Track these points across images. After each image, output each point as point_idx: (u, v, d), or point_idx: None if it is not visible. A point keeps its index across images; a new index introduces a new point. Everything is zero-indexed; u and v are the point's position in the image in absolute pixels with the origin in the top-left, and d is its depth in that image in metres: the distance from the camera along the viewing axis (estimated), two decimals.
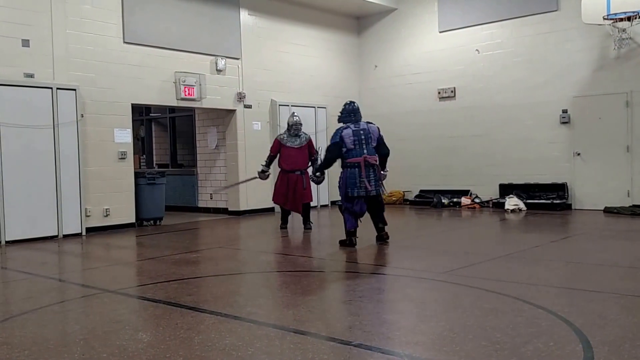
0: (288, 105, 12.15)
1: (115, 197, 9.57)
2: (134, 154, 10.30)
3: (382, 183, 7.24)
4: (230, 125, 11.66)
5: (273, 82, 12.08)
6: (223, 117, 11.79)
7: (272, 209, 11.95)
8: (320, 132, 12.75)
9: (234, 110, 11.52)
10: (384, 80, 13.65)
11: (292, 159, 8.90)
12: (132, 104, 9.99)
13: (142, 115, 14.27)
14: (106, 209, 9.46)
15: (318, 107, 12.82)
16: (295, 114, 9.25)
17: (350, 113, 7.35)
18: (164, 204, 10.61)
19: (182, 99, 10.57)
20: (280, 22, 12.26)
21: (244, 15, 11.57)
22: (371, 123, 7.38)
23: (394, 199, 13.12)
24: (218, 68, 11.05)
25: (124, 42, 9.73)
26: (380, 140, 7.27)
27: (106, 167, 9.49)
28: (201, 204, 12.49)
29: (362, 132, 7.11)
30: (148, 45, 10.06)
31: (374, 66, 13.79)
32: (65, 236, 8.79)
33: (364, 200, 7.08)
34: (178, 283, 5.44)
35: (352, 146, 7.06)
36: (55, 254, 7.70)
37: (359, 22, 14.02)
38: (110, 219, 9.50)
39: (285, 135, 9.08)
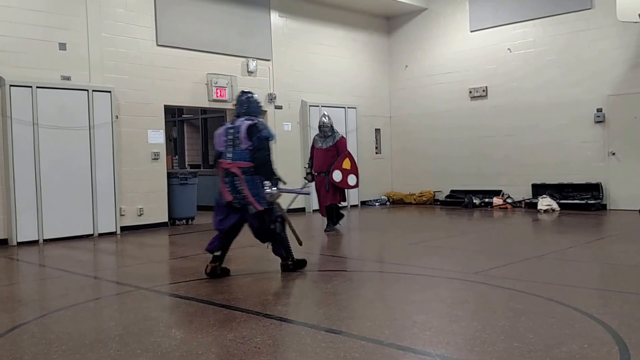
0: (318, 106, 12.19)
1: (148, 197, 9.75)
2: (166, 154, 10.47)
3: (250, 197, 5.42)
4: None
5: (303, 83, 12.13)
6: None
7: (303, 209, 12.01)
8: (351, 132, 12.75)
9: (265, 112, 11.59)
10: (414, 80, 13.58)
11: (317, 161, 8.82)
12: (165, 106, 10.16)
13: (174, 116, 14.49)
14: (140, 209, 9.64)
15: (348, 108, 12.82)
16: (325, 114, 9.12)
17: (237, 106, 5.80)
18: (196, 203, 10.76)
19: (214, 100, 10.70)
20: (310, 23, 12.31)
21: (275, 17, 11.65)
22: (251, 119, 5.54)
23: (424, 198, 13.04)
24: (249, 69, 11.15)
25: (157, 45, 9.90)
26: (257, 142, 5.45)
27: (140, 167, 9.67)
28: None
29: (232, 130, 5.60)
30: (180, 48, 10.21)
31: (405, 66, 13.72)
32: (100, 235, 8.99)
33: (234, 213, 5.59)
34: (210, 281, 5.50)
35: (222, 148, 5.62)
36: (90, 252, 7.89)
37: (389, 22, 13.97)
38: (143, 218, 9.68)
39: (316, 137, 9.04)
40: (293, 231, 6.07)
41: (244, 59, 11.12)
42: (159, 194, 9.95)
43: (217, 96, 10.64)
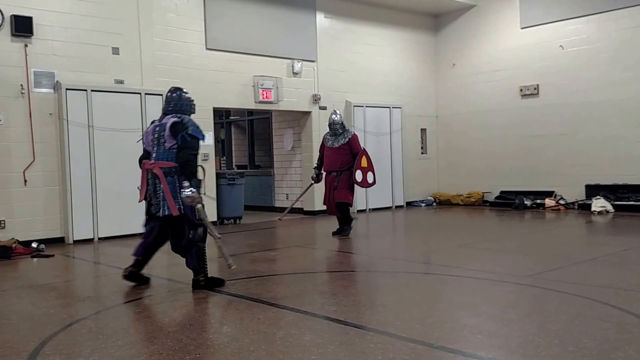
0: (363, 106, 12.18)
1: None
2: (215, 155, 10.67)
3: (170, 199, 5.03)
4: (306, 126, 11.83)
5: (348, 83, 12.14)
6: (299, 119, 11.98)
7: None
8: (395, 132, 12.69)
9: (310, 112, 11.67)
10: (462, 79, 13.39)
11: (328, 160, 8.50)
12: (214, 108, 10.36)
13: (222, 118, 14.75)
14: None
15: (393, 107, 12.76)
16: (336, 111, 8.69)
17: (165, 103, 5.42)
18: (243, 203, 10.93)
19: (260, 102, 10.83)
20: (355, 23, 12.30)
21: (320, 18, 11.71)
22: (176, 117, 5.17)
23: (472, 200, 12.84)
24: (294, 71, 11.24)
25: (206, 49, 10.10)
26: (180, 141, 5.03)
27: None
28: (277, 204, 12.73)
29: (157, 129, 5.23)
30: (228, 51, 10.39)
31: (452, 64, 13.54)
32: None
33: (155, 224, 5.32)
34: (258, 280, 5.59)
35: (150, 147, 5.26)
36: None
37: (436, 20, 13.82)
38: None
39: (327, 135, 8.64)
40: (220, 249, 5.49)
41: (289, 61, 11.22)
42: (208, 194, 10.11)
43: (263, 98, 10.78)
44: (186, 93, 5.42)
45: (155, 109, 9.23)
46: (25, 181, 8.12)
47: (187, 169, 5.00)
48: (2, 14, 7.95)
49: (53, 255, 7.33)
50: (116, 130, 8.86)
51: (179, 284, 5.57)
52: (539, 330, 3.72)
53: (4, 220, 7.93)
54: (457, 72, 13.48)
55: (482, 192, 12.86)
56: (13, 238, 7.70)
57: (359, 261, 6.86)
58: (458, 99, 13.45)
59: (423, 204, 13.26)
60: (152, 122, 5.43)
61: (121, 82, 9.09)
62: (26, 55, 8.13)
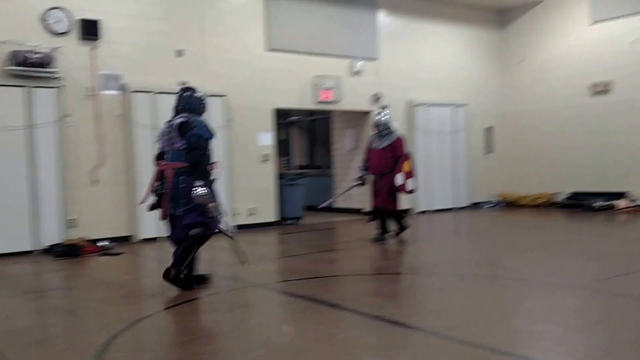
0: (425, 105, 11.96)
1: (259, 197, 10.05)
2: (275, 156, 10.75)
3: (167, 198, 5.05)
4: (366, 126, 11.71)
5: (410, 81, 11.95)
6: (359, 119, 11.89)
7: (407, 210, 11.84)
8: (460, 131, 12.38)
9: (370, 112, 11.56)
10: (529, 76, 12.91)
11: (372, 162, 8.15)
12: (274, 109, 10.43)
13: (282, 119, 14.86)
14: (251, 208, 9.97)
15: (457, 106, 12.46)
16: (382, 111, 8.29)
17: (176, 102, 5.39)
18: (303, 203, 10.95)
19: (320, 102, 10.82)
20: (418, 20, 12.10)
21: (382, 15, 11.58)
22: (184, 117, 5.15)
23: (540, 201, 12.35)
24: (355, 70, 11.17)
25: (267, 50, 10.19)
26: (190, 141, 5.01)
27: (251, 168, 10.00)
28: (337, 205, 12.69)
29: (168, 129, 5.23)
30: (289, 52, 10.43)
31: (519, 61, 13.09)
32: (215, 232, 9.37)
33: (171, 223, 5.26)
34: (318, 280, 5.56)
35: (167, 147, 5.25)
36: (207, 249, 8.19)
37: (503, 16, 13.40)
38: (255, 218, 9.99)
39: (373, 136, 8.31)
40: (234, 246, 5.52)
41: (349, 60, 11.16)
42: (269, 194, 10.23)
43: (323, 98, 10.76)
44: (197, 92, 5.40)
45: (216, 110, 9.40)
46: (94, 181, 8.43)
47: (197, 169, 4.98)
48: (71, 19, 8.27)
49: (120, 254, 7.56)
50: None
51: (240, 282, 5.62)
52: (612, 338, 3.50)
53: (74, 219, 8.25)
54: (524, 69, 13.01)
55: (551, 193, 12.36)
56: (83, 237, 8.01)
57: (422, 264, 6.71)
58: (525, 96, 12.97)
59: (488, 205, 12.89)
60: (166, 122, 5.41)
61: (184, 84, 9.26)
62: (94, 58, 8.45)
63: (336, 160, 12.84)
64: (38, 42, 7.89)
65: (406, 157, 7.98)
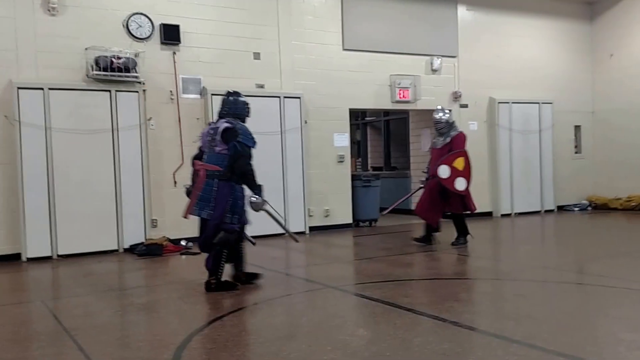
0: (508, 103, 11.49)
1: (334, 199, 10.01)
2: (350, 157, 10.68)
3: (194, 200, 5.18)
4: None
5: (491, 78, 11.51)
6: None
7: (489, 213, 11.42)
8: (545, 130, 11.79)
9: (450, 111, 11.24)
10: (621, 71, 12.10)
11: (432, 163, 7.73)
12: (350, 109, 10.36)
13: (357, 119, 14.77)
14: (326, 210, 9.95)
15: (542, 103, 11.87)
16: (441, 108, 7.89)
17: (221, 106, 5.52)
18: (379, 205, 10.79)
19: (397, 102, 10.64)
20: (500, 14, 11.63)
21: (462, 11, 11.24)
22: (230, 122, 5.27)
23: (633, 204, 11.54)
24: (433, 68, 10.90)
25: (343, 50, 10.14)
26: (234, 150, 5.16)
27: (326, 170, 9.98)
28: (415, 207, 12.42)
29: (212, 132, 5.33)
30: (365, 51, 10.33)
31: (610, 55, 12.30)
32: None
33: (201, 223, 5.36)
34: (394, 284, 5.43)
35: (205, 148, 5.36)
36: (283, 249, 8.31)
37: (592, 8, 12.65)
38: (329, 219, 9.96)
39: (434, 136, 7.96)
40: (287, 232, 6.02)
41: (428, 58, 10.90)
42: (343, 195, 10.17)
43: (400, 97, 10.58)
44: (241, 97, 5.50)
45: (293, 111, 9.47)
46: (175, 182, 8.69)
47: (247, 178, 5.21)
48: (153, 24, 8.59)
49: (200, 253, 7.73)
50: (257, 133, 9.12)
51: (315, 284, 5.59)
52: None
53: (156, 219, 8.54)
54: (615, 64, 12.21)
55: None
56: (164, 236, 8.27)
57: (504, 269, 6.41)
58: (617, 92, 12.16)
59: (576, 209, 12.18)
60: (209, 124, 5.55)
61: (262, 86, 9.41)
62: (175, 62, 8.72)
63: (413, 162, 12.58)
64: (121, 48, 8.23)
65: (460, 153, 7.50)
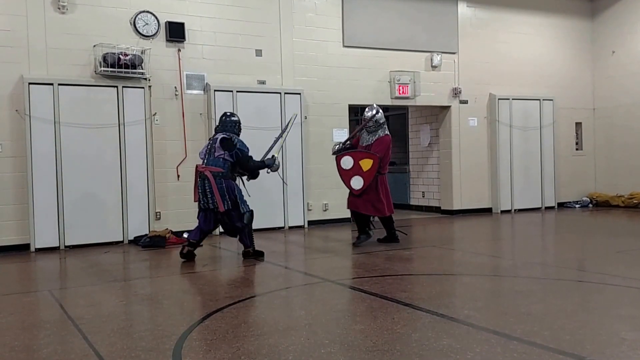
0: (508, 99, 11.55)
1: (332, 193, 10.08)
2: None
3: (219, 198, 6.39)
4: (445, 122, 11.47)
5: (492, 75, 11.57)
6: (437, 114, 11.66)
7: (488, 210, 11.50)
8: (546, 127, 11.86)
9: (449, 107, 11.31)
10: (623, 68, 12.14)
11: None
12: (349, 105, 10.42)
13: (357, 115, 14.81)
14: (325, 204, 10.02)
15: (543, 100, 11.92)
16: (373, 107, 7.51)
17: (218, 124, 6.94)
18: None
19: (396, 98, 10.70)
20: (500, 11, 11.67)
21: (462, 7, 11.28)
22: (225, 134, 6.61)
23: (635, 201, 11.61)
24: (433, 64, 10.95)
25: (343, 46, 10.19)
26: (236, 157, 6.56)
27: (325, 164, 10.03)
28: (413, 202, 12.52)
29: (210, 142, 6.79)
30: (365, 47, 10.39)
31: (612, 52, 12.33)
32: (290, 228, 9.54)
33: (205, 214, 6.64)
34: (392, 278, 5.49)
35: (203, 157, 6.72)
36: (282, 243, 8.39)
37: (593, 5, 12.67)
38: (328, 214, 10.04)
39: (361, 131, 7.57)
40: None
41: (427, 54, 10.95)
42: (342, 190, 10.17)
43: (399, 93, 10.63)
44: (234, 117, 6.85)
45: (293, 107, 9.52)
46: (178, 176, 8.77)
47: (258, 169, 6.76)
48: (158, 21, 8.65)
49: (201, 245, 7.82)
50: (258, 129, 9.23)
51: (314, 278, 5.66)
52: None
53: (159, 212, 8.64)
54: (617, 61, 12.25)
55: None
56: (167, 228, 8.36)
57: (503, 265, 6.48)
58: (619, 89, 12.21)
59: (577, 205, 12.25)
60: (209, 140, 7.02)
61: (263, 82, 9.47)
62: (179, 59, 8.78)
63: (412, 157, 12.66)
64: (128, 45, 8.32)
65: (373, 156, 7.17)
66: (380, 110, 7.49)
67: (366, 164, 7.19)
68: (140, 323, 4.34)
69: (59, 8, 8.03)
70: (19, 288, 5.81)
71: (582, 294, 4.95)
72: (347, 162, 7.27)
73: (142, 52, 8.38)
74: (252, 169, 6.69)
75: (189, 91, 8.92)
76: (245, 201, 6.67)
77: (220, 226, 6.93)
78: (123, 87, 8.29)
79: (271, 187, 9.36)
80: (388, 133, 7.54)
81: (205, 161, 6.58)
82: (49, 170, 7.86)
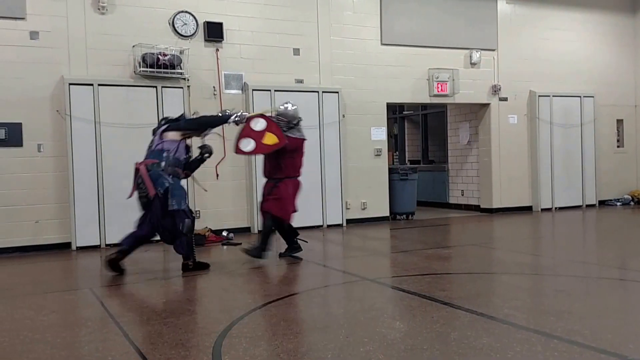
0: (549, 96, 11.32)
1: (371, 192, 10.08)
2: (388, 150, 10.71)
3: (149, 182, 5.70)
4: (484, 119, 11.32)
5: (532, 72, 11.35)
6: (476, 112, 11.50)
7: (529, 208, 11.30)
8: (587, 124, 11.58)
9: (488, 104, 11.15)
10: None
11: (266, 162, 6.76)
12: (387, 103, 10.38)
13: (395, 113, 14.75)
14: (363, 202, 10.02)
15: (584, 97, 11.64)
16: (289, 102, 6.84)
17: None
18: (416, 199, 10.82)
19: (435, 96, 10.60)
20: (540, 7, 11.44)
21: (502, 4, 11.10)
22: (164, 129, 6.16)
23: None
24: (472, 61, 10.81)
25: (381, 44, 10.15)
26: (184, 122, 6.35)
27: (363, 163, 10.04)
28: (452, 200, 12.39)
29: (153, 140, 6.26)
30: (404, 45, 10.33)
31: None
32: (328, 226, 9.57)
33: (144, 218, 5.94)
34: (431, 277, 5.46)
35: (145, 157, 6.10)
36: (320, 242, 8.43)
37: (635, 0, 12.29)
38: (366, 212, 10.04)
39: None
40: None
41: (467, 51, 10.81)
42: (381, 189, 10.22)
43: (438, 91, 10.54)
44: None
45: (331, 106, 9.55)
46: (217, 175, 8.90)
47: (212, 121, 6.45)
48: (197, 21, 8.79)
49: (240, 244, 7.93)
50: None
51: (352, 276, 5.67)
52: None
53: (199, 211, 8.77)
54: None
55: None
56: (207, 227, 8.50)
57: (543, 263, 6.37)
58: None
59: (619, 203, 11.93)
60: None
61: (301, 81, 9.52)
62: (218, 59, 8.91)
63: (451, 155, 12.53)
64: (167, 45, 8.47)
65: (283, 139, 6.34)
66: (289, 108, 6.66)
67: (271, 138, 6.37)
68: (180, 320, 4.42)
69: (98, 9, 8.20)
70: (60, 286, 5.95)
71: (623, 292, 4.84)
72: (259, 125, 6.41)
73: (180, 52, 8.52)
74: (202, 123, 6.34)
75: (227, 91, 9.04)
76: (187, 205, 5.95)
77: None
78: (162, 87, 8.44)
79: (309, 185, 9.40)
80: (300, 136, 6.71)
81: (144, 158, 6.01)
82: (89, 170, 8.03)
